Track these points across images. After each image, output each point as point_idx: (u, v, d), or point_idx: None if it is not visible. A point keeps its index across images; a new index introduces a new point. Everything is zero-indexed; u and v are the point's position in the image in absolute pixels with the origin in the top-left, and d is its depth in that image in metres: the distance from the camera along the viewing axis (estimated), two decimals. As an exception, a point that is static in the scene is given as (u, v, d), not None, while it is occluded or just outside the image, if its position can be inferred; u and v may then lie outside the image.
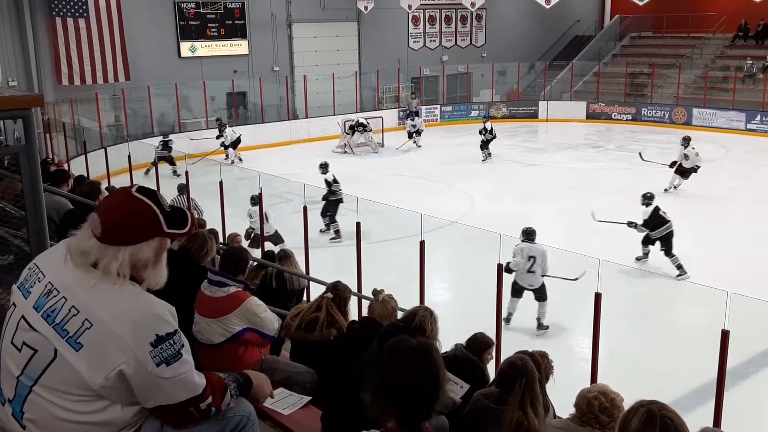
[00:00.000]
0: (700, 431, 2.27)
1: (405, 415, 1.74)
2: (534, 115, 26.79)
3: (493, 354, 4.75)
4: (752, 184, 16.30)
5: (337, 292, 4.08)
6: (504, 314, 7.60)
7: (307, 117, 23.87)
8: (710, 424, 4.74)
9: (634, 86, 27.16)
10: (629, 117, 25.53)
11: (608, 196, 15.32)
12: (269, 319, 3.54)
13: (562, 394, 3.80)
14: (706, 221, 13.32)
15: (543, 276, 8.63)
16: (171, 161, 17.04)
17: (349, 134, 21.23)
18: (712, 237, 12.40)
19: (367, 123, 21.43)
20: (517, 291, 8.83)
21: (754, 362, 7.57)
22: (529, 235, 8.75)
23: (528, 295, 8.78)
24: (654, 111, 25.31)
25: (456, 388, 3.56)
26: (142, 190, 1.92)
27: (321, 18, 24.82)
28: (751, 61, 24.73)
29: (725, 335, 4.68)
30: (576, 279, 8.17)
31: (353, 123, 21.39)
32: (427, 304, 6.94)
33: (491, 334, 5.99)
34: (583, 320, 5.67)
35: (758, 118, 22.56)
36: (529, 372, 3.15)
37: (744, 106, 23.45)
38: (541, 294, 8.67)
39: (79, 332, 1.76)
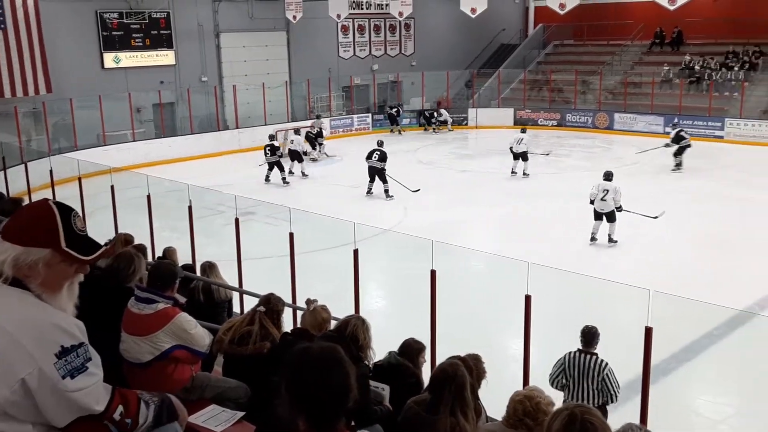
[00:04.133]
0: (623, 427, 2.34)
1: (315, 420, 1.77)
2: (464, 123, 27.24)
3: (427, 357, 4.80)
4: (675, 186, 16.98)
5: (270, 305, 4.05)
6: (590, 236, 12.32)
7: (237, 127, 23.60)
8: (637, 420, 4.91)
9: (559, 93, 27.98)
10: (555, 123, 26.26)
11: (539, 200, 15.73)
12: (200, 335, 3.47)
13: (501, 396, 3.87)
14: (633, 221, 13.79)
15: (618, 208, 12.18)
16: (280, 166, 18.15)
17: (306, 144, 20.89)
18: (638, 236, 12.86)
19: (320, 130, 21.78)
20: (596, 215, 12.34)
21: (676, 357, 7.88)
22: (607, 176, 12.53)
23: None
24: (578, 116, 26.13)
25: (379, 392, 3.59)
26: (60, 204, 1.90)
27: (249, 28, 24.60)
28: (667, 67, 25.82)
29: (648, 332, 4.86)
30: (656, 217, 12.57)
31: (312, 133, 21.47)
32: (362, 312, 6.98)
33: (426, 338, 6.08)
34: (517, 322, 5.80)
35: (675, 121, 23.55)
36: (459, 377, 3.19)
37: (662, 110, 24.49)
38: (610, 217, 12.23)
39: None
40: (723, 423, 7.09)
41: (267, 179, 18.37)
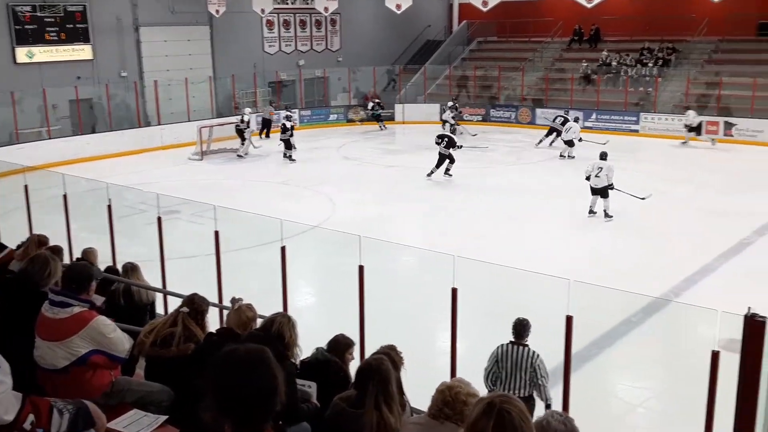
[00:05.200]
0: (544, 414, 2.40)
1: (241, 423, 1.73)
2: (391, 118, 27.37)
3: (355, 354, 4.80)
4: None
5: (194, 306, 3.96)
6: (588, 209, 13.59)
7: (160, 124, 22.99)
8: (559, 408, 5.05)
9: (483, 89, 28.47)
10: (479, 118, 26.71)
11: (465, 194, 15.99)
12: (119, 339, 3.36)
13: (429, 389, 3.91)
14: (557, 215, 14.19)
15: (610, 186, 13.25)
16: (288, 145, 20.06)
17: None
18: (560, 229, 13.24)
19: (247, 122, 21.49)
20: (592, 190, 13.50)
21: (597, 344, 8.16)
22: (602, 155, 13.71)
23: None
24: (501, 112, 26.66)
25: (306, 390, 3.58)
26: None
27: (170, 21, 23.98)
28: (586, 63, 26.63)
29: (569, 320, 5.01)
30: (644, 198, 13.53)
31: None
32: (291, 309, 6.93)
33: (356, 334, 6.09)
34: (445, 315, 5.88)
35: (594, 116, 24.38)
36: (384, 372, 3.20)
37: (581, 105, 25.26)
38: (603, 193, 13.38)
39: None
40: (641, 406, 7.39)
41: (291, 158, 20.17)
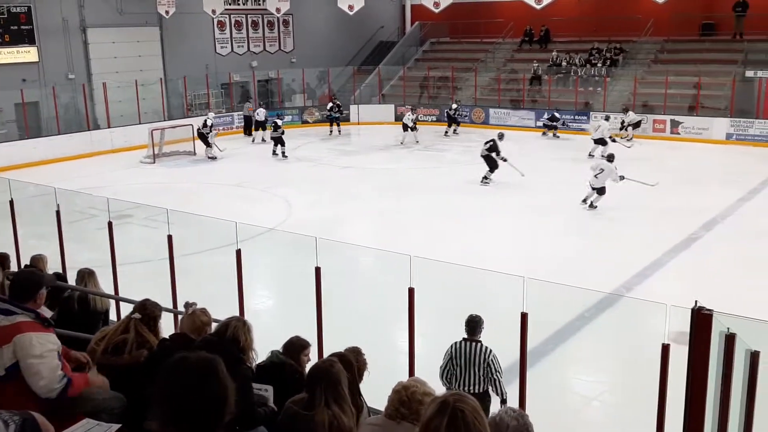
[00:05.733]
0: (498, 411, 2.42)
1: None
2: (346, 119, 27.33)
3: (314, 356, 4.78)
4: (546, 177, 17.79)
5: (146, 311, 3.89)
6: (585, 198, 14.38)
7: (109, 127, 22.51)
8: (516, 404, 5.11)
9: (437, 89, 28.66)
10: (434, 118, 26.86)
11: (422, 194, 16.06)
12: (37, 370, 3.04)
13: (388, 390, 3.92)
14: (511, 214, 14.36)
15: (617, 180, 14.07)
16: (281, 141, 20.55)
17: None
18: (515, 227, 13.41)
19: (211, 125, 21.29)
20: (590, 186, 14.24)
21: (552, 340, 8.28)
22: (609, 157, 14.71)
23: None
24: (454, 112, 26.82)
25: (262, 393, 3.55)
26: None
27: (119, 23, 23.50)
28: (536, 64, 27.03)
29: (524, 317, 5.07)
30: (653, 185, 14.38)
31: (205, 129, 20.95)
32: (248, 312, 6.87)
33: (314, 336, 6.06)
34: (403, 315, 5.90)
35: (545, 115, 24.75)
36: (334, 374, 3.20)
37: (533, 105, 25.64)
38: (600, 191, 14.18)
39: None
40: (596, 399, 7.54)
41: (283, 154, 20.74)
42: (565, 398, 7.47)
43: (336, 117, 25.23)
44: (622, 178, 14.12)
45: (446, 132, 24.58)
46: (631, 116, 22.29)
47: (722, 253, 11.69)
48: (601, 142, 19.71)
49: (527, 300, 4.99)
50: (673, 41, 26.05)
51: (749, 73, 22.83)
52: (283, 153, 20.72)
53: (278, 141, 20.72)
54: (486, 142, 17.00)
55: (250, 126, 25.01)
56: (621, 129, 22.01)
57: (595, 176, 14.13)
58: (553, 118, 23.78)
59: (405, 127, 22.31)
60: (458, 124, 24.76)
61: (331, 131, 25.06)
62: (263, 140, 23.12)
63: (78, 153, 20.64)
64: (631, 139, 21.87)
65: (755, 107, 22.58)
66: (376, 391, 4.10)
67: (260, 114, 24.01)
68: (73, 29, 22.59)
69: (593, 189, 14.31)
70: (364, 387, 4.27)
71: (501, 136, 16.98)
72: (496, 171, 16.80)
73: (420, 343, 6.16)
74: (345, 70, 30.34)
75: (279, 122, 21.08)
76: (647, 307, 7.75)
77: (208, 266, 10.52)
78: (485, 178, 16.82)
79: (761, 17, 23.88)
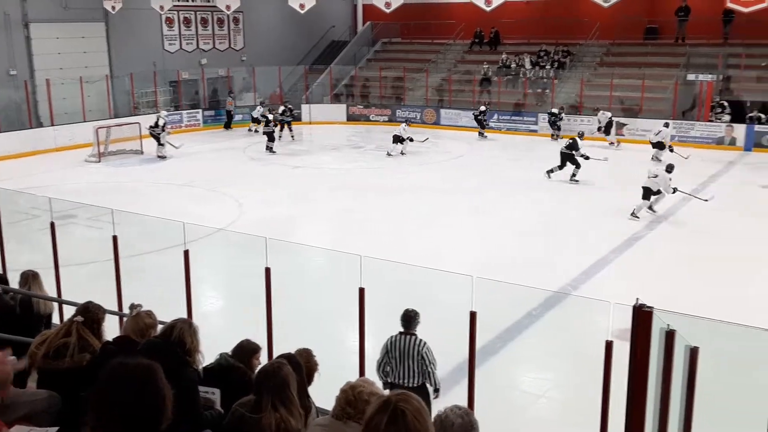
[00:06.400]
0: (444, 410, 2.44)
1: None
2: (297, 118, 27.17)
3: (264, 358, 4.74)
4: (497, 177, 18.04)
5: (89, 314, 3.79)
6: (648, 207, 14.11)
7: (53, 124, 21.89)
8: (465, 402, 5.17)
9: (389, 89, 28.73)
10: (386, 118, 26.93)
11: (373, 194, 16.08)
12: None
13: (337, 389, 3.91)
14: (461, 213, 14.50)
15: (669, 191, 13.82)
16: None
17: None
18: (465, 226, 13.54)
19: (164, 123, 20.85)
20: (643, 190, 13.96)
21: (501, 337, 8.40)
22: (668, 167, 14.15)
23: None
24: (407, 112, 26.95)
25: (209, 397, 3.51)
26: None
27: (63, 18, 22.87)
28: (486, 65, 27.34)
29: (473, 316, 5.13)
30: (707, 200, 14.01)
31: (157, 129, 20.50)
32: (196, 314, 6.77)
33: (264, 337, 6.01)
34: (353, 315, 5.90)
35: (495, 116, 25.06)
36: (282, 376, 3.18)
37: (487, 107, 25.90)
38: (645, 195, 13.91)
39: None
40: (543, 396, 7.66)
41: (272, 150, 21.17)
42: (513, 395, 7.58)
43: (288, 121, 24.15)
44: (675, 190, 13.94)
45: (481, 133, 24.11)
46: (603, 116, 22.44)
47: (664, 252, 12.05)
48: (659, 146, 19.86)
49: (476, 299, 5.05)
50: (618, 44, 26.68)
51: (690, 77, 23.53)
52: (271, 149, 21.16)
53: (270, 136, 21.23)
54: (567, 141, 17.45)
55: (230, 121, 25.88)
56: (598, 131, 22.29)
57: (649, 178, 13.99)
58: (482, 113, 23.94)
59: (396, 139, 20.79)
60: (484, 127, 24.08)
61: (281, 136, 23.50)
62: (256, 131, 24.04)
63: (20, 151, 20.02)
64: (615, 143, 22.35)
65: (696, 110, 23.29)
66: (326, 391, 4.09)
67: (257, 111, 24.13)
68: (15, 24, 21.90)
69: (644, 190, 14.02)
70: (313, 387, 4.26)
71: (581, 135, 17.50)
72: (580, 169, 17.04)
73: (370, 342, 6.18)
74: (296, 69, 30.16)
75: (270, 117, 21.58)
76: (592, 305, 7.92)
77: (156, 268, 10.33)
78: (573, 176, 17.07)
79: (702, 22, 24.63)
